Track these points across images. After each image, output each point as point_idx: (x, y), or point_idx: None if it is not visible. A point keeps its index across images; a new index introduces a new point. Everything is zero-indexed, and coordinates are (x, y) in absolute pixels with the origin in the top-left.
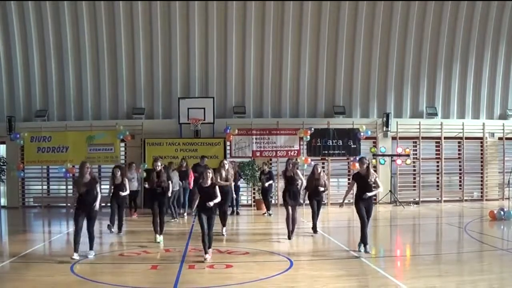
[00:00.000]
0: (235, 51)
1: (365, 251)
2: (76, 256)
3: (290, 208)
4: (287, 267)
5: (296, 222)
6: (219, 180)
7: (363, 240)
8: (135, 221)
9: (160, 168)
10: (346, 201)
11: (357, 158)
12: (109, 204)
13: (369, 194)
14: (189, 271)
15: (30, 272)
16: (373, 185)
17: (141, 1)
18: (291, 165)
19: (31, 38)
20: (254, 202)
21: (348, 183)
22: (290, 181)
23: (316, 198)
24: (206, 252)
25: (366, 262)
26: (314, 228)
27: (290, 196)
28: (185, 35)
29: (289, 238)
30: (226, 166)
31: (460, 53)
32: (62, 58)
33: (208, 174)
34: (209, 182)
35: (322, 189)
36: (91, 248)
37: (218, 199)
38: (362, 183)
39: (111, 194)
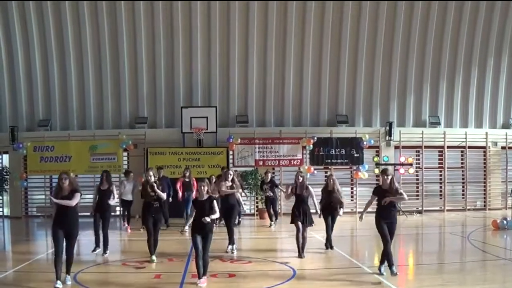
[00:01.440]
0: (237, 60)
1: (392, 273)
2: (59, 284)
3: (300, 227)
4: (290, 277)
5: (306, 241)
6: (223, 189)
7: (388, 260)
8: (136, 232)
9: (153, 179)
10: (346, 210)
11: (381, 169)
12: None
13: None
14: (192, 280)
15: (33, 282)
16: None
17: (143, 12)
18: (300, 178)
19: (33, 47)
20: (257, 211)
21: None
22: (300, 199)
23: (330, 211)
24: (199, 277)
25: (368, 271)
26: (329, 244)
27: (300, 214)
28: (187, 44)
29: (300, 256)
30: (230, 177)
31: (463, 62)
32: (65, 68)
33: (203, 186)
34: (205, 195)
35: (340, 212)
36: (67, 271)
37: (217, 215)
38: (384, 198)
39: (95, 204)
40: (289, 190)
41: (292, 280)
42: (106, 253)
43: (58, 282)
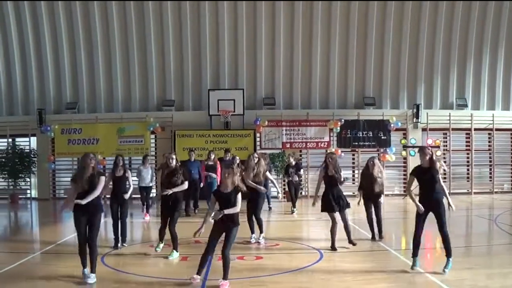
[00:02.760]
0: (264, 42)
1: (414, 265)
2: (87, 272)
3: (336, 215)
4: (317, 259)
5: (349, 228)
6: (249, 181)
7: (414, 248)
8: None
9: (174, 164)
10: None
11: (418, 149)
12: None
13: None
14: (219, 262)
15: (60, 263)
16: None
17: None
18: (331, 159)
19: (60, 31)
20: (284, 194)
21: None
22: (332, 181)
23: (371, 199)
24: (198, 273)
25: (395, 254)
26: (373, 236)
27: (335, 200)
28: (214, 26)
29: (334, 249)
30: (255, 161)
31: (489, 44)
32: (92, 51)
33: (228, 175)
34: (229, 187)
35: (381, 199)
36: (92, 269)
37: (237, 209)
38: (425, 179)
39: (110, 193)
40: (320, 176)
41: (319, 262)
42: (124, 245)
43: (86, 270)
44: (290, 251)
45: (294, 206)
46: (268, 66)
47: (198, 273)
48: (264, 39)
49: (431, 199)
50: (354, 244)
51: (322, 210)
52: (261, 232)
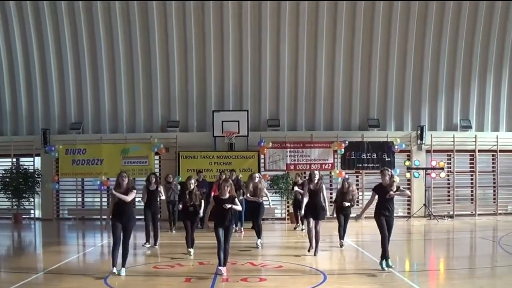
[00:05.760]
0: (269, 64)
1: (387, 266)
2: (115, 270)
3: (311, 222)
4: (320, 281)
5: (319, 236)
6: (248, 195)
7: (384, 255)
8: (168, 234)
9: (193, 187)
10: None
11: (380, 169)
12: (142, 217)
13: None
14: (222, 284)
15: (63, 284)
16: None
17: (175, 15)
18: (315, 178)
19: (65, 50)
20: (287, 215)
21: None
22: (313, 194)
23: (343, 212)
24: (220, 264)
25: (400, 276)
26: (341, 240)
27: (312, 209)
28: (219, 48)
29: (309, 250)
30: (256, 179)
31: (494, 64)
32: (97, 71)
33: (226, 186)
34: (227, 194)
35: (347, 204)
36: (123, 264)
37: (239, 207)
38: (383, 195)
39: (144, 203)
40: (306, 189)
41: (323, 285)
42: (156, 245)
43: (114, 268)
44: (294, 273)
45: (303, 223)
46: (272, 88)
47: (220, 263)
48: (269, 60)
49: (388, 211)
50: (309, 251)
51: (303, 217)
52: (258, 237)
